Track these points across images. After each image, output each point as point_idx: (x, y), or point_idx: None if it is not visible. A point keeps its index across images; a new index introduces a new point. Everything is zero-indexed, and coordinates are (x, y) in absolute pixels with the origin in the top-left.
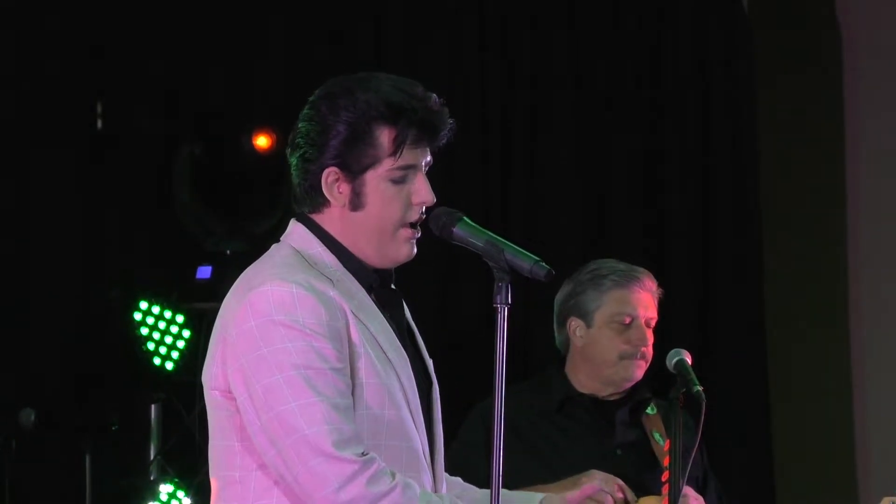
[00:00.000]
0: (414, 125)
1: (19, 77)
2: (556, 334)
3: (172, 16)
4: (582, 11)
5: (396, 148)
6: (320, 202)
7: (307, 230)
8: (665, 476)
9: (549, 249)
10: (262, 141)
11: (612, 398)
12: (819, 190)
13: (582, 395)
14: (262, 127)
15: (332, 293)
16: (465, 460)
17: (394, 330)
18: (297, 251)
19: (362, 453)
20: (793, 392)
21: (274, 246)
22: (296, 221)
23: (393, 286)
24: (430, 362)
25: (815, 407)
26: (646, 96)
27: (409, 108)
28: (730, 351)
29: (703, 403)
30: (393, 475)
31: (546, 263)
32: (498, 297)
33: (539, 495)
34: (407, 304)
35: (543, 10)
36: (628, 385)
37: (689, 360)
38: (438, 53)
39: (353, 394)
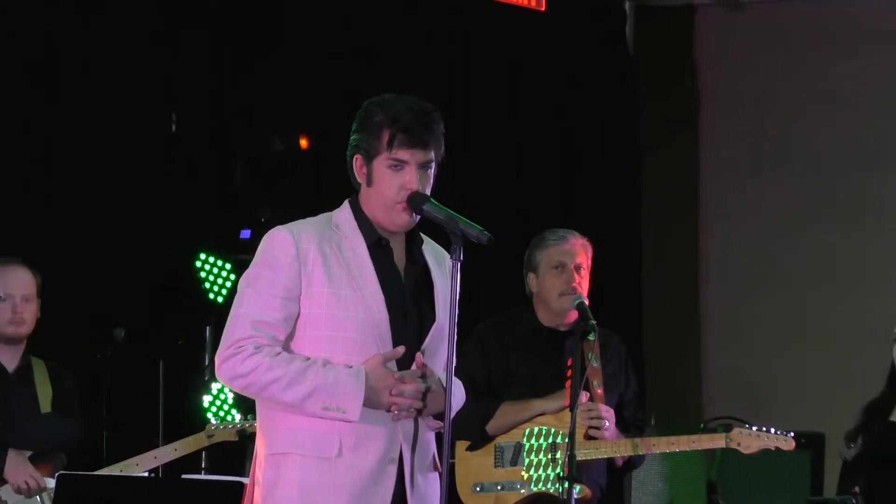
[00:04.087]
0: (402, 131)
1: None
2: (525, 285)
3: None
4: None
5: (389, 144)
6: (357, 185)
7: (347, 204)
8: (598, 393)
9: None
10: (303, 142)
11: (563, 329)
12: (680, 188)
13: (545, 327)
14: (304, 132)
15: (312, 241)
16: (460, 367)
17: (382, 270)
18: (330, 216)
19: (254, 347)
20: (658, 332)
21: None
22: (347, 201)
23: (425, 251)
24: (439, 303)
25: (674, 342)
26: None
27: (402, 119)
28: (618, 302)
29: (595, 332)
30: (265, 359)
31: (487, 232)
32: (453, 255)
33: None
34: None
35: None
36: (571, 316)
37: (586, 303)
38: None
39: (306, 297)
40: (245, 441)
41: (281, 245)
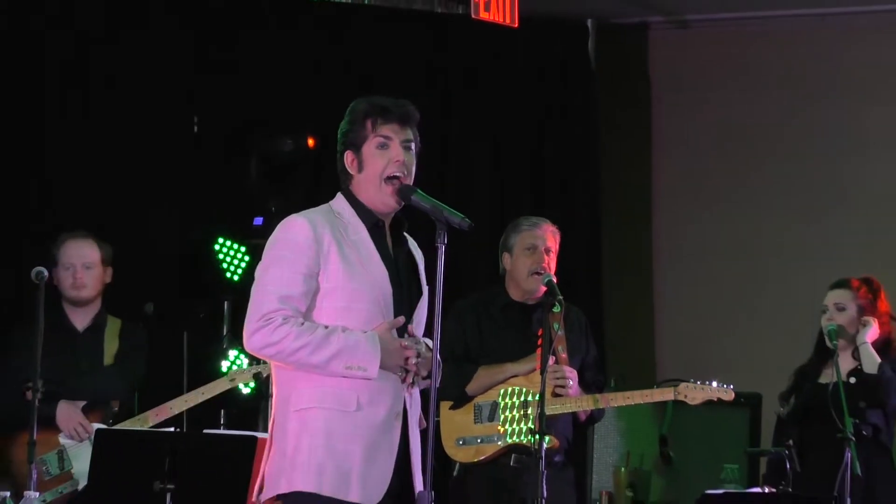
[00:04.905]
0: (383, 114)
1: (151, 100)
2: (499, 264)
3: (253, 57)
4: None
5: (374, 126)
6: (348, 177)
7: (341, 195)
8: (562, 357)
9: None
10: (310, 142)
11: (531, 303)
12: (635, 180)
13: (515, 302)
14: (311, 133)
15: (325, 227)
16: (441, 339)
17: (381, 251)
18: (329, 206)
19: (282, 319)
20: (616, 307)
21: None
22: (339, 193)
23: (406, 234)
24: (422, 275)
25: (630, 316)
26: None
27: (382, 105)
28: (582, 280)
29: (561, 305)
30: (292, 328)
31: (468, 219)
32: (438, 240)
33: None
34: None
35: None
36: (539, 291)
37: (555, 280)
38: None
39: (324, 274)
40: (259, 386)
41: (300, 230)
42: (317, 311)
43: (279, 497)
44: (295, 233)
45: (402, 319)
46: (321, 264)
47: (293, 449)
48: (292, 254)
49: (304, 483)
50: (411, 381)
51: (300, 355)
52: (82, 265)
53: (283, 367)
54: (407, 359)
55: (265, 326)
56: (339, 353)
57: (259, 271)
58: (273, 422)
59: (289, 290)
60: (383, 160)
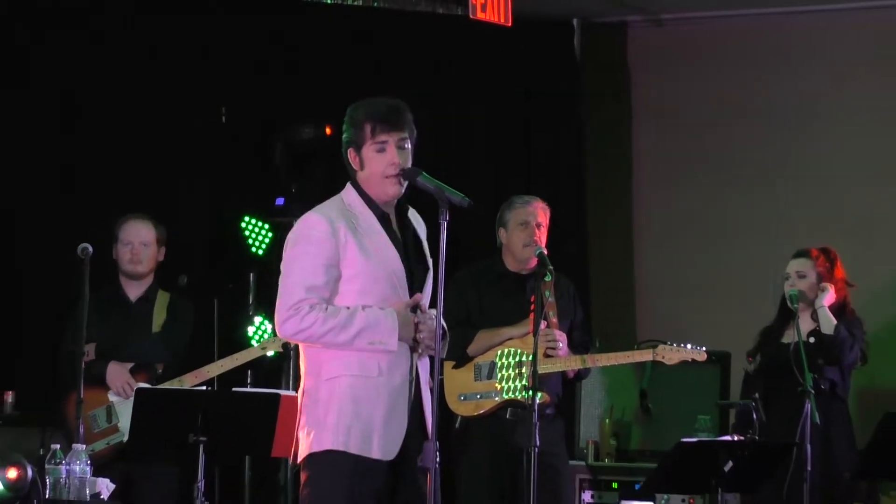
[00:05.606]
0: (379, 121)
1: (186, 95)
2: (496, 238)
3: (280, 51)
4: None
5: (372, 131)
6: (353, 171)
7: (351, 187)
8: (553, 321)
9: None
10: (328, 130)
11: (525, 273)
12: (616, 161)
13: (511, 272)
14: (329, 123)
15: (340, 221)
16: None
17: (391, 236)
18: (341, 197)
19: (309, 307)
20: (601, 276)
21: (336, 195)
22: (348, 184)
23: (410, 217)
24: (426, 250)
25: (614, 284)
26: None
27: (378, 112)
28: (570, 252)
29: (552, 275)
30: (319, 314)
31: (467, 198)
32: (441, 216)
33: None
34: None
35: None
36: (531, 262)
37: (545, 252)
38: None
39: (344, 262)
40: (287, 351)
41: (318, 226)
42: (340, 295)
43: (311, 455)
44: (314, 229)
45: (419, 297)
46: (340, 254)
47: (323, 413)
48: (314, 248)
49: (333, 443)
50: (420, 350)
51: (328, 337)
52: (139, 243)
53: (312, 345)
54: (418, 332)
55: (294, 315)
56: (362, 332)
57: (284, 266)
58: (303, 392)
59: (313, 280)
60: (382, 163)
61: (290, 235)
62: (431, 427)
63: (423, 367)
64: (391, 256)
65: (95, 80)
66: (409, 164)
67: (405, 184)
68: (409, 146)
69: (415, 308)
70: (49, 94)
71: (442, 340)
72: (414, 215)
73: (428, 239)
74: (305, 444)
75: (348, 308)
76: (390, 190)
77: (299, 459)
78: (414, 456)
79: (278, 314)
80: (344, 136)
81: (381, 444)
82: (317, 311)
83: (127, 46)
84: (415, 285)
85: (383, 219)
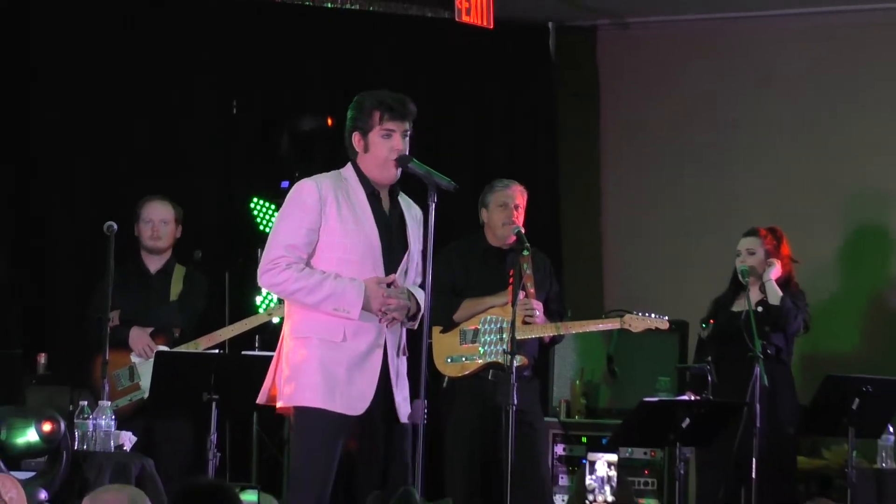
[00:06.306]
0: (389, 110)
1: (200, 89)
2: (479, 217)
3: (285, 51)
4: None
5: (381, 120)
6: (354, 153)
7: (350, 165)
8: (531, 292)
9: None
10: (329, 121)
11: (505, 248)
12: (587, 149)
13: (492, 247)
14: (328, 114)
15: (330, 189)
16: (432, 276)
17: (376, 212)
18: (340, 172)
19: (286, 265)
20: (573, 251)
21: (337, 169)
22: (349, 163)
23: (400, 199)
24: (410, 234)
25: (584, 259)
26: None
27: (388, 102)
28: (545, 230)
29: (529, 250)
30: (293, 273)
31: (454, 182)
32: (430, 198)
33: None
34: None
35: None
36: (510, 239)
37: (523, 231)
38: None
39: (324, 229)
40: None
41: (308, 191)
42: (317, 259)
43: (295, 409)
44: (303, 193)
45: (392, 277)
46: (322, 221)
47: (293, 369)
48: (300, 211)
49: (301, 398)
50: (386, 322)
51: (298, 296)
52: (160, 221)
53: (290, 302)
54: (385, 305)
55: (272, 269)
56: (328, 297)
57: (274, 222)
58: (281, 343)
59: (293, 240)
60: (386, 148)
61: (286, 197)
62: (423, 387)
63: (393, 336)
64: (370, 231)
65: (117, 79)
66: (407, 151)
67: (400, 169)
68: (408, 137)
69: (389, 285)
70: (80, 85)
71: (412, 318)
72: (405, 200)
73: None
74: (285, 393)
75: (322, 273)
76: (389, 173)
77: (278, 405)
78: (379, 413)
79: (260, 265)
80: (350, 121)
81: (344, 400)
82: (291, 270)
83: (154, 48)
84: (391, 262)
85: (373, 196)
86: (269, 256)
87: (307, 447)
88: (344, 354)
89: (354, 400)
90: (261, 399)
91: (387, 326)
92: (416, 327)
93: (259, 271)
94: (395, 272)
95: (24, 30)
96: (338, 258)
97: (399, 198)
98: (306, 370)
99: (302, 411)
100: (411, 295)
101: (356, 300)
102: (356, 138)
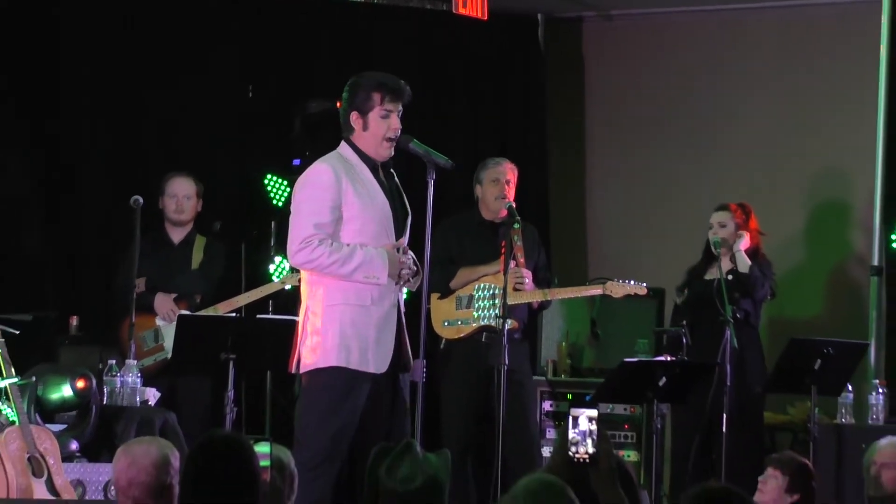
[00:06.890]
0: (389, 91)
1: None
2: (473, 192)
3: (297, 40)
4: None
5: (381, 100)
6: (351, 130)
7: (346, 144)
8: (521, 261)
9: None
10: (338, 104)
11: (497, 222)
12: (573, 131)
13: (486, 220)
14: (337, 98)
15: (342, 170)
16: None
17: (380, 185)
18: (339, 152)
19: (318, 241)
20: (560, 224)
21: (334, 150)
22: (343, 141)
23: (392, 170)
24: (406, 202)
25: (570, 230)
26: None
27: (388, 84)
28: (534, 204)
29: (519, 223)
30: (326, 249)
31: (451, 161)
32: (429, 176)
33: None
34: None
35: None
36: (502, 213)
37: (514, 205)
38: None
39: (345, 205)
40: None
41: (325, 174)
42: (342, 233)
43: (318, 371)
44: (322, 176)
45: (403, 241)
46: (342, 198)
47: (324, 333)
48: (321, 192)
49: (337, 359)
50: (401, 284)
51: (333, 268)
52: (183, 195)
53: (318, 275)
54: (402, 269)
55: (306, 247)
56: (360, 266)
57: (295, 206)
58: (305, 314)
59: (321, 219)
60: (384, 127)
61: (300, 181)
62: (422, 348)
63: (401, 297)
64: (381, 201)
65: (145, 66)
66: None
67: (393, 146)
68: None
69: (400, 249)
70: (107, 70)
71: (415, 277)
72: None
73: (417, 195)
74: (311, 359)
75: (349, 245)
76: (385, 151)
77: (302, 371)
78: (397, 368)
79: (291, 245)
80: (348, 99)
81: (375, 360)
82: (324, 246)
83: (182, 35)
84: (398, 226)
85: (374, 170)
86: (301, 236)
87: (334, 407)
88: (372, 317)
89: (381, 360)
90: (293, 368)
91: (399, 288)
92: (415, 288)
93: (290, 251)
94: (404, 237)
95: (53, 17)
96: (357, 230)
97: (390, 168)
98: (341, 335)
99: (334, 373)
100: (415, 261)
101: (383, 267)
102: (354, 117)
